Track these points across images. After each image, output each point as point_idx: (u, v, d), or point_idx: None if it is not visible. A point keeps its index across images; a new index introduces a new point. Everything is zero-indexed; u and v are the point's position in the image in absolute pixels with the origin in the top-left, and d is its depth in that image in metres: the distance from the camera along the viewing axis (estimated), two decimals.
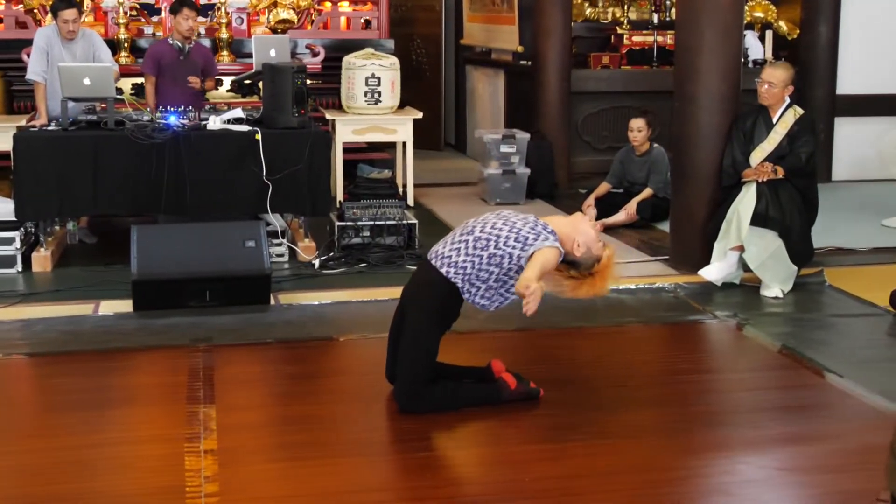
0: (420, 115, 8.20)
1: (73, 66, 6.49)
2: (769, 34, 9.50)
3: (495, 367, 4.25)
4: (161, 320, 5.31)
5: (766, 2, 10.23)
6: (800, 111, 5.96)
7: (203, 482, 3.46)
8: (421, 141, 9.27)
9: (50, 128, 6.39)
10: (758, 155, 5.89)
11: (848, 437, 3.92)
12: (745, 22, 7.01)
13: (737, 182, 5.88)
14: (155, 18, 9.32)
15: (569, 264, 4.05)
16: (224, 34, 8.92)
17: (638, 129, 7.62)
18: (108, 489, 3.46)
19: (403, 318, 4.11)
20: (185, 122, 6.36)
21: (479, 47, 11.16)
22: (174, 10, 7.32)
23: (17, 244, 6.17)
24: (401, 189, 7.66)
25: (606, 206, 7.37)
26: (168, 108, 6.56)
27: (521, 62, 9.69)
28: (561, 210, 7.68)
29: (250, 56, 7.99)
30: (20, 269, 6.16)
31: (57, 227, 6.67)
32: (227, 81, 8.08)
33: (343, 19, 9.49)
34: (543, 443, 3.83)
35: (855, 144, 9.26)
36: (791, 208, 5.76)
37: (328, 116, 8.13)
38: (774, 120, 5.92)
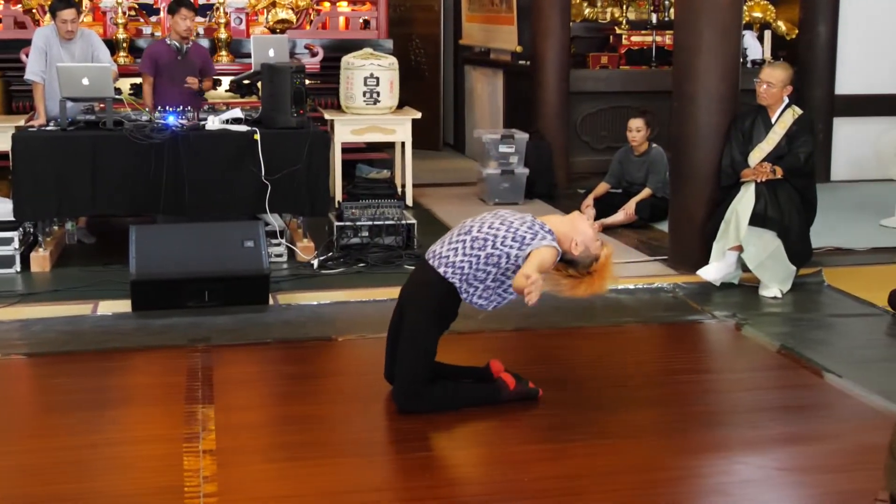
0: (419, 115, 8.20)
1: (71, 66, 6.49)
2: (768, 34, 9.50)
3: (494, 367, 4.25)
4: (160, 320, 5.31)
5: (765, 2, 10.24)
6: (798, 111, 5.96)
7: (202, 482, 3.46)
8: (420, 141, 9.27)
9: (48, 128, 6.39)
10: (756, 155, 5.89)
11: (846, 437, 3.92)
12: (744, 22, 7.03)
13: (735, 182, 5.88)
14: (153, 18, 9.32)
15: (567, 263, 4.05)
16: (223, 34, 8.92)
17: (637, 129, 7.62)
18: (107, 489, 3.46)
19: (402, 319, 4.11)
20: (184, 122, 6.36)
21: (477, 47, 11.16)
22: (172, 11, 7.32)
23: (16, 244, 6.17)
24: (399, 189, 7.65)
25: (605, 207, 7.37)
26: (167, 108, 6.56)
27: (520, 62, 9.69)
28: (560, 210, 7.68)
29: (249, 56, 7.98)
30: (19, 270, 6.16)
31: (55, 227, 6.67)
32: (226, 81, 8.09)
33: (342, 19, 9.49)
34: (542, 443, 3.83)
35: (853, 144, 9.26)
36: (790, 208, 5.77)
37: (327, 116, 8.13)
38: (773, 120, 5.93)
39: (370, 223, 6.51)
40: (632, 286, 5.88)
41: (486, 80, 10.94)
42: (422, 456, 3.77)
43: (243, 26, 9.20)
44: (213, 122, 6.37)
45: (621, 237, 7.05)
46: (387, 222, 6.53)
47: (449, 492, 3.48)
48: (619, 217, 7.38)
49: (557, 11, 8.90)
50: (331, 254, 6.42)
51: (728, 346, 5.25)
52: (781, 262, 5.76)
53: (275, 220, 6.39)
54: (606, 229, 7.03)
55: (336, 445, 3.82)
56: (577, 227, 4.04)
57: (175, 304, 5.45)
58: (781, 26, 10.11)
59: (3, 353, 4.85)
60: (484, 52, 10.97)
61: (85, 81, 6.28)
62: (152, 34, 9.13)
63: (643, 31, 10.21)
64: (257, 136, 6.20)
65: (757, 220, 5.69)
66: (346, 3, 9.74)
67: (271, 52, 7.49)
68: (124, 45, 8.72)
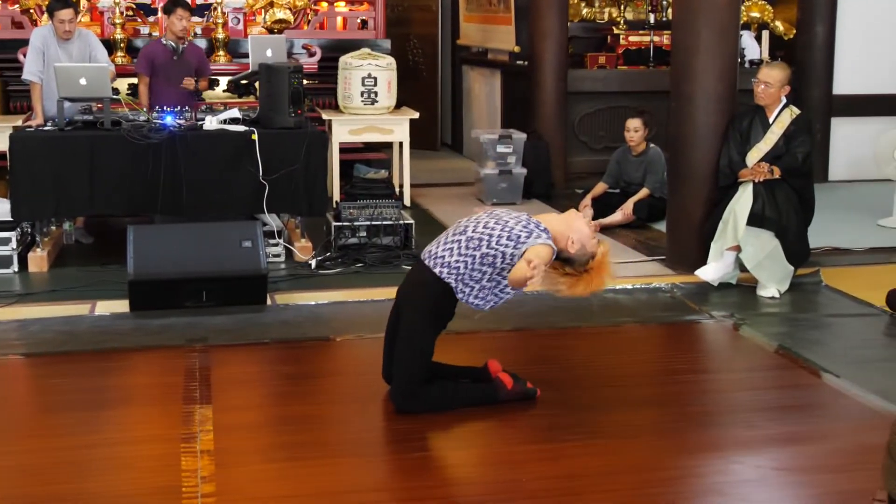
0: (417, 115, 8.19)
1: (69, 66, 6.48)
2: (766, 34, 9.50)
3: (492, 367, 4.25)
4: (157, 320, 5.31)
5: (763, 2, 10.24)
6: (796, 111, 5.97)
7: (199, 482, 3.45)
8: (417, 141, 9.27)
9: (46, 128, 6.38)
10: (754, 155, 5.89)
11: (844, 437, 3.93)
12: (742, 22, 7.03)
13: (733, 182, 5.88)
14: (151, 18, 9.32)
15: (564, 262, 4.05)
16: (220, 34, 8.92)
17: (634, 129, 7.62)
18: (105, 489, 3.46)
19: (399, 319, 4.11)
20: (182, 122, 6.35)
21: (475, 47, 11.16)
22: (168, 11, 7.32)
23: (14, 244, 6.17)
24: (397, 189, 7.66)
25: (603, 207, 7.37)
26: (164, 108, 6.56)
27: (518, 62, 9.69)
28: (557, 210, 7.66)
29: (247, 56, 7.98)
30: (16, 270, 6.16)
31: (53, 228, 6.67)
32: (224, 81, 8.08)
33: (339, 19, 9.50)
34: (540, 443, 3.83)
35: (851, 144, 9.27)
36: (787, 208, 5.77)
37: (325, 116, 8.12)
38: (771, 120, 5.93)
39: (368, 223, 6.51)
40: (629, 286, 5.88)
41: (484, 81, 10.94)
42: (420, 456, 3.77)
43: (241, 26, 9.20)
44: (210, 122, 6.37)
45: (619, 237, 7.06)
46: (385, 222, 6.53)
47: (447, 492, 3.48)
48: (616, 217, 7.39)
49: (555, 11, 8.90)
50: (329, 254, 6.42)
51: (726, 346, 5.25)
52: (779, 262, 5.76)
53: (272, 220, 6.38)
54: (604, 229, 7.04)
55: (334, 445, 3.82)
56: (573, 226, 4.03)
57: (173, 304, 5.45)
58: (779, 26, 10.11)
59: (1, 353, 4.84)
60: (482, 53, 10.97)
61: (82, 81, 6.28)
62: (150, 34, 9.13)
63: (641, 32, 10.23)
64: (255, 137, 6.20)
65: (755, 220, 5.69)
66: (343, 4, 9.75)
67: (269, 53, 7.48)
68: (122, 45, 8.72)
